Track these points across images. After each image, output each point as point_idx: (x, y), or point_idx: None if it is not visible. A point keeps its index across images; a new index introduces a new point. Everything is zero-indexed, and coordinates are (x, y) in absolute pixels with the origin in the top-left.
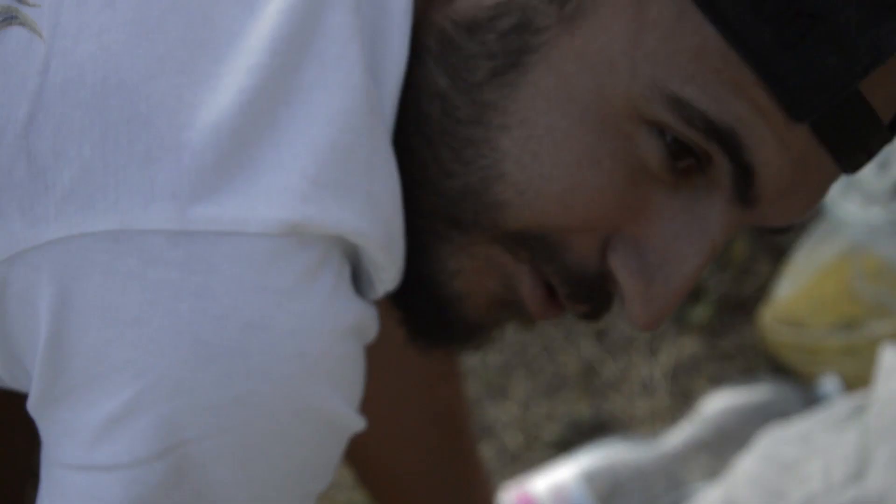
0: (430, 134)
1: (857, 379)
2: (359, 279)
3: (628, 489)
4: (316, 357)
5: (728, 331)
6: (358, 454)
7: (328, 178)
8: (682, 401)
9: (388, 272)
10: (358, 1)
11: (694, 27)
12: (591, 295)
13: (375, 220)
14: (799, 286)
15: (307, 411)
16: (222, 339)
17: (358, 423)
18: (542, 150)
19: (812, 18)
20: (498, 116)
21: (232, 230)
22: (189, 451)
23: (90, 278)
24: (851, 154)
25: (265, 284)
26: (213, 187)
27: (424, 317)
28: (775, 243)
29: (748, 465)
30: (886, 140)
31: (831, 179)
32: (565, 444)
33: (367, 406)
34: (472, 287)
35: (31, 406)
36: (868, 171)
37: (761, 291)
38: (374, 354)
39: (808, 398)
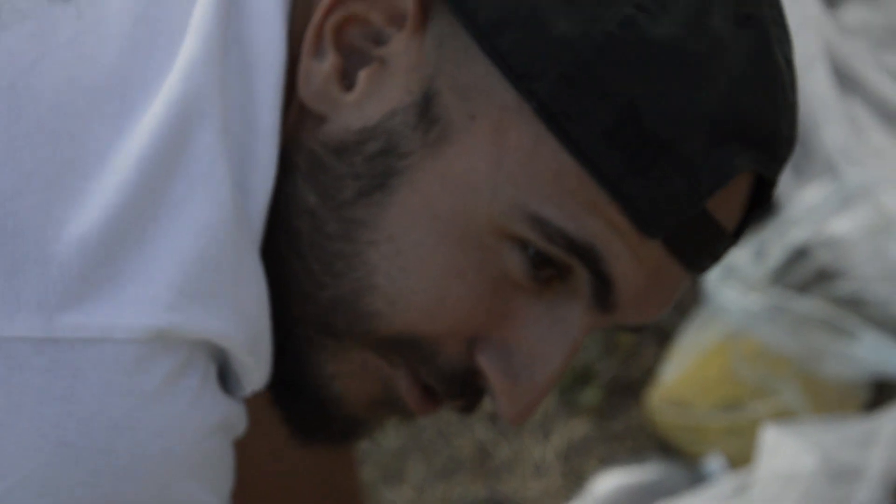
0: (300, 248)
1: (741, 457)
2: (227, 377)
3: None
4: (181, 455)
5: (617, 413)
6: None
7: (194, 288)
8: (573, 481)
9: (255, 373)
10: (226, 121)
11: (551, 152)
12: (465, 389)
13: (241, 326)
14: (684, 369)
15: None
16: (88, 441)
17: None
18: (410, 264)
19: (660, 147)
20: (366, 233)
21: (98, 337)
22: None
23: None
24: (700, 261)
25: (131, 388)
26: (80, 297)
27: (305, 416)
28: (660, 328)
29: None
30: (731, 244)
31: (682, 283)
32: None
33: (261, 497)
34: (350, 389)
35: None
36: (746, 260)
37: (648, 374)
38: (265, 444)
39: (695, 477)
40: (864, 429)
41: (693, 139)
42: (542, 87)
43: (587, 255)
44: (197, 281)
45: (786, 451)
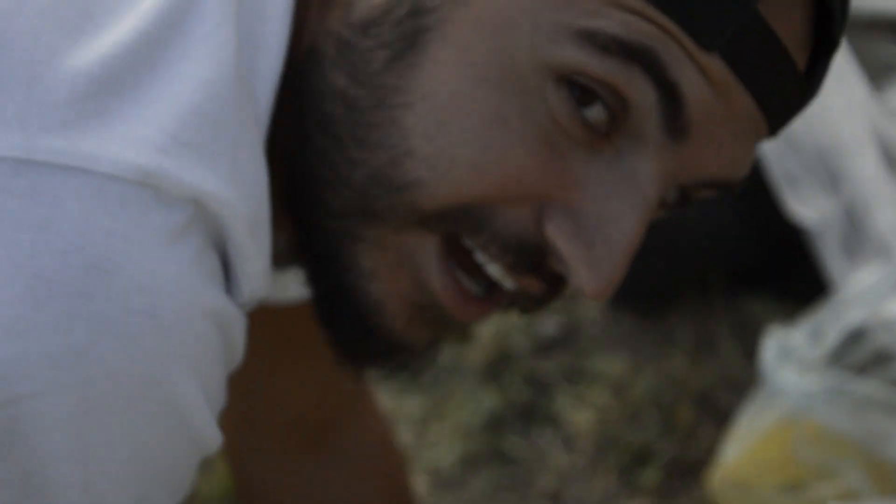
0: (335, 131)
1: None
2: (228, 283)
3: None
4: (168, 324)
5: (677, 493)
6: None
7: (189, 138)
8: None
9: (252, 264)
10: (237, 2)
11: None
12: (536, 266)
13: (239, 194)
14: (744, 450)
15: (155, 386)
16: (63, 277)
17: (214, 438)
18: (447, 118)
19: None
20: (400, 96)
21: (81, 166)
22: (21, 411)
23: None
24: (768, 93)
25: (114, 228)
26: (65, 123)
27: (348, 331)
28: (717, 408)
29: None
30: (802, 86)
31: (757, 128)
32: None
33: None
34: (388, 292)
35: None
36: (802, 341)
37: (708, 455)
38: (348, 452)
39: None
40: None
41: None
42: None
43: (648, 58)
44: (192, 132)
45: None
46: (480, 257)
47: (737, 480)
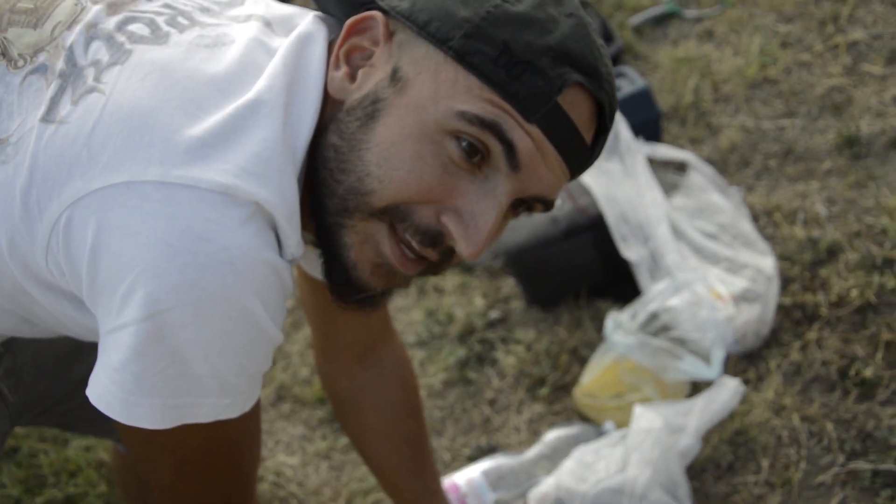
0: (330, 166)
1: (623, 423)
2: (280, 249)
3: (507, 479)
4: (241, 268)
5: (559, 401)
6: (358, 431)
7: (252, 170)
8: (536, 437)
9: (291, 239)
10: (287, 104)
11: (464, 77)
12: (434, 242)
13: (281, 201)
14: (594, 377)
15: (235, 302)
16: (182, 243)
17: (277, 336)
18: (389, 155)
19: (524, 64)
20: (363, 144)
21: (192, 184)
22: (164, 318)
23: (113, 210)
24: (567, 152)
25: (209, 216)
26: (185, 162)
27: (338, 281)
28: (582, 356)
29: (567, 465)
30: (588, 152)
31: (563, 170)
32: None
33: (372, 404)
34: (359, 256)
35: (87, 302)
36: (627, 318)
37: (574, 380)
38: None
39: (599, 432)
40: (687, 406)
41: (542, 60)
42: (455, 44)
43: (495, 127)
44: (253, 166)
45: (645, 418)
46: (406, 237)
47: (588, 393)
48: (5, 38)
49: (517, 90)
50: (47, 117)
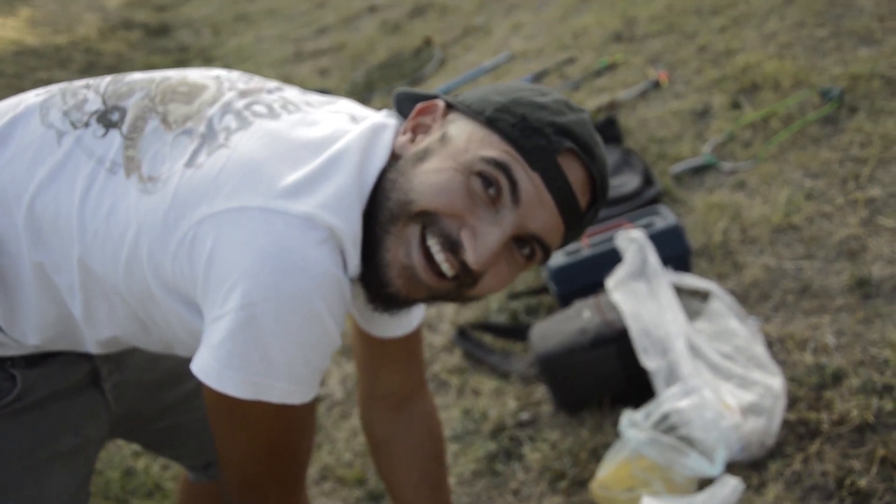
0: (386, 190)
1: None
2: (344, 268)
3: None
4: (314, 276)
5: (578, 493)
6: (388, 470)
7: (329, 205)
8: None
9: (353, 259)
10: (361, 158)
11: (489, 136)
12: (453, 248)
13: (348, 228)
14: (609, 471)
15: (308, 302)
16: (273, 252)
17: (337, 339)
18: (429, 179)
19: (534, 129)
20: (412, 173)
21: (285, 212)
22: (255, 309)
23: (226, 227)
24: (562, 204)
25: (294, 236)
26: (283, 197)
27: (370, 278)
28: (599, 453)
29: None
30: (581, 217)
31: (557, 219)
32: None
33: (402, 450)
34: (393, 256)
35: (199, 297)
36: (640, 419)
37: (592, 474)
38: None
39: None
40: (689, 501)
41: (548, 129)
42: (487, 114)
43: (505, 168)
44: (331, 203)
45: None
46: (431, 244)
47: (603, 486)
48: (167, 109)
49: (525, 145)
50: (189, 164)
